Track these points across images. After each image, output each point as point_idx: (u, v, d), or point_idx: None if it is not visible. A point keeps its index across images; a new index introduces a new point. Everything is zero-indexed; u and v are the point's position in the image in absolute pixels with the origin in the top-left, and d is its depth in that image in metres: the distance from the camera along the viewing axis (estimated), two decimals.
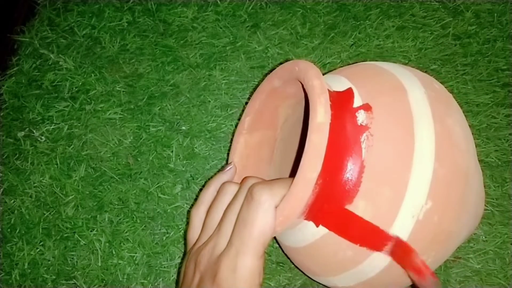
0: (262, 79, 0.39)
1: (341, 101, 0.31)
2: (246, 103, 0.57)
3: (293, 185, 0.27)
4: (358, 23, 0.60)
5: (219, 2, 0.61)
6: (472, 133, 0.55)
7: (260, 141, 0.41)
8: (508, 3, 0.61)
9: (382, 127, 0.29)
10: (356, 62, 0.58)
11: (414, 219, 0.28)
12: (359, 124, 0.30)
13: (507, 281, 0.49)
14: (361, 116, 0.30)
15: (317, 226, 0.30)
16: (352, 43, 0.59)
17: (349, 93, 0.32)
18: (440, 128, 0.29)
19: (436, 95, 0.32)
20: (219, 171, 0.38)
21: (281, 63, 0.58)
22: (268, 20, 0.60)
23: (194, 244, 0.31)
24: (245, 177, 0.31)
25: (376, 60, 0.58)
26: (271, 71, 0.38)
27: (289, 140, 0.44)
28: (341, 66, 0.58)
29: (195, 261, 0.29)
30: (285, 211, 0.27)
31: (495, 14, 0.60)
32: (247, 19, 0.60)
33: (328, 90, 0.30)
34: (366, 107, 0.30)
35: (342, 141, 0.29)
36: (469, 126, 0.34)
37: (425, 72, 0.58)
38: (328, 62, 0.58)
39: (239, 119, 0.56)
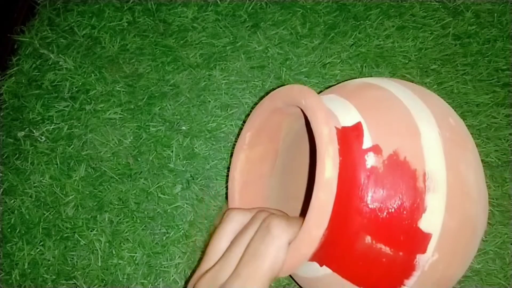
0: (263, 97, 0.37)
1: (349, 139, 0.29)
2: (246, 103, 0.57)
3: (298, 240, 0.26)
4: (358, 23, 0.60)
5: (219, 2, 0.61)
6: (472, 133, 0.55)
7: (261, 155, 0.40)
8: (508, 3, 0.61)
9: (392, 174, 0.27)
10: (357, 63, 0.58)
11: (420, 270, 0.28)
12: (368, 167, 0.28)
13: (507, 281, 0.49)
14: (371, 160, 0.28)
15: (321, 266, 0.30)
16: (352, 43, 0.59)
17: (358, 129, 0.29)
18: (453, 177, 0.28)
19: (451, 136, 0.30)
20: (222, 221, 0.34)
21: (281, 63, 0.58)
22: (268, 20, 0.60)
23: (195, 272, 0.30)
24: (260, 210, 0.29)
25: (377, 60, 0.58)
26: (271, 90, 0.36)
27: (292, 149, 0.43)
28: (342, 67, 0.58)
29: None
30: (288, 263, 0.26)
31: (495, 14, 0.60)
32: (247, 19, 0.60)
33: (336, 127, 0.29)
34: (376, 150, 0.28)
35: (350, 187, 0.27)
36: (469, 126, 0.34)
37: (426, 72, 0.58)
38: (328, 62, 0.58)
39: (242, 124, 0.56)
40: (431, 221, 0.27)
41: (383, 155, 0.28)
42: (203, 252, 0.32)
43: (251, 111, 0.57)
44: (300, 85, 0.32)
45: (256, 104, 0.57)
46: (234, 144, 0.55)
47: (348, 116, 0.31)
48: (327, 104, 0.33)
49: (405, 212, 0.27)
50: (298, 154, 0.46)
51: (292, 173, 0.46)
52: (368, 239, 0.27)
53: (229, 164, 0.55)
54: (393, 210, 0.27)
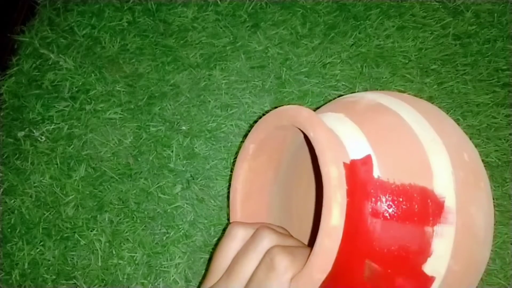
0: (270, 109, 0.35)
1: (357, 174, 0.28)
2: (246, 103, 0.57)
3: (300, 280, 0.26)
4: (358, 23, 0.60)
5: (219, 2, 0.61)
6: (472, 133, 0.55)
7: (265, 165, 0.39)
8: (508, 3, 0.61)
9: (400, 215, 0.27)
10: (357, 63, 0.58)
11: None
12: (376, 208, 0.27)
13: (507, 281, 0.49)
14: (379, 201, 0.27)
15: None
16: (352, 43, 0.59)
17: (367, 163, 0.28)
18: (462, 222, 0.27)
19: (464, 175, 0.29)
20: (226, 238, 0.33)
21: (281, 63, 0.58)
22: (268, 20, 0.60)
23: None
24: (260, 228, 0.29)
25: (377, 60, 0.58)
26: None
27: (296, 157, 0.43)
28: (342, 67, 0.58)
29: None
30: None
31: (495, 14, 0.60)
32: (247, 19, 0.60)
33: (344, 163, 0.28)
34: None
35: (356, 228, 0.27)
36: (469, 126, 0.33)
37: (426, 72, 0.58)
38: (328, 62, 0.58)
39: (242, 124, 0.56)
40: (436, 265, 0.27)
41: (391, 194, 0.27)
42: (206, 270, 0.32)
43: (252, 111, 0.57)
44: (308, 111, 0.30)
45: (255, 103, 0.57)
46: (234, 143, 0.55)
47: (358, 146, 0.29)
48: (334, 125, 0.32)
49: (410, 255, 0.27)
50: (302, 161, 0.45)
51: (296, 179, 0.45)
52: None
53: (231, 164, 0.55)
54: (398, 251, 0.27)
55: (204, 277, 0.33)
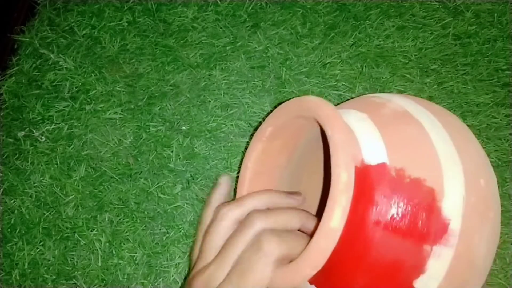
0: (276, 105, 0.36)
1: (367, 180, 0.28)
2: (246, 103, 0.57)
3: (291, 271, 0.26)
4: (358, 23, 0.60)
5: (219, 2, 0.61)
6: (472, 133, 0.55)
7: (279, 149, 0.39)
8: (508, 3, 0.61)
9: (402, 228, 0.27)
10: (357, 63, 0.58)
11: None
12: (379, 217, 0.27)
13: (507, 281, 0.49)
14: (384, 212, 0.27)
15: None
16: (352, 43, 0.59)
17: (380, 171, 0.28)
18: (462, 248, 0.27)
19: (475, 202, 0.28)
20: (213, 187, 0.35)
21: (281, 63, 0.58)
22: (268, 20, 0.60)
23: (193, 268, 0.32)
24: (251, 212, 0.30)
25: (377, 60, 0.58)
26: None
27: (311, 145, 0.43)
28: (342, 67, 0.58)
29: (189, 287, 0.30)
30: (278, 285, 0.27)
31: (495, 14, 0.60)
32: (247, 19, 0.60)
33: (357, 167, 0.28)
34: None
35: (355, 236, 0.27)
36: (469, 126, 0.33)
37: (426, 72, 0.58)
38: (328, 62, 0.58)
39: (242, 124, 0.56)
40: (428, 283, 0.27)
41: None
42: (192, 248, 0.33)
43: (252, 111, 0.57)
44: (331, 108, 0.30)
45: (255, 103, 0.57)
46: (234, 143, 0.55)
47: (375, 152, 0.29)
48: (356, 125, 0.31)
49: (404, 268, 0.27)
50: (316, 150, 0.45)
51: (308, 167, 0.45)
52: (363, 284, 0.28)
53: (231, 164, 0.55)
54: (393, 263, 0.27)
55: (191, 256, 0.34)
